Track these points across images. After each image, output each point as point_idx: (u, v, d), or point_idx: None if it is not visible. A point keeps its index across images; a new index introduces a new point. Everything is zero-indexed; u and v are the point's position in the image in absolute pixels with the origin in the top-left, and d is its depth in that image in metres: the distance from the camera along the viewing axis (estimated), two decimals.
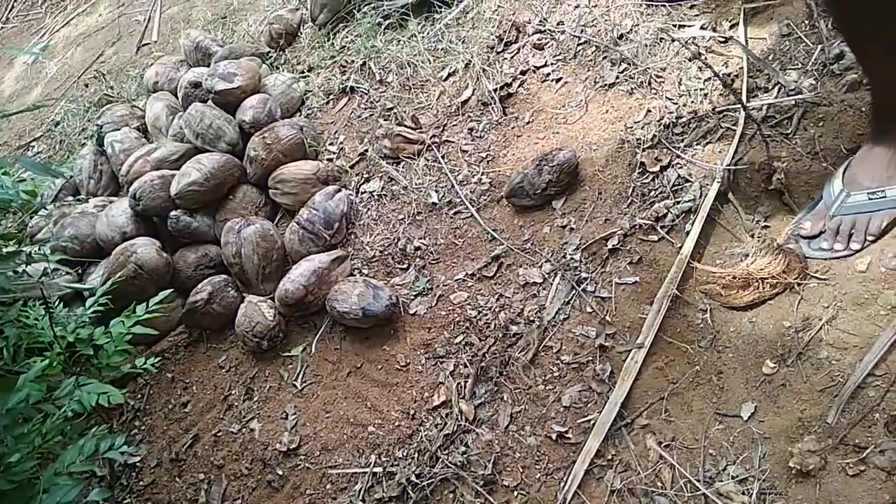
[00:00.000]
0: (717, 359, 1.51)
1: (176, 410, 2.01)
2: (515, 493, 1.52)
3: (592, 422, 1.52)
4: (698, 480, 1.38)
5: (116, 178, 2.51)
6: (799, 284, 1.48)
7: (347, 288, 1.85)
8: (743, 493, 1.34)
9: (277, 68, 2.66)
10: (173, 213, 2.14)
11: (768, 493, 1.32)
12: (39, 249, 2.04)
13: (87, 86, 3.54)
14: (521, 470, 1.54)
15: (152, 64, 2.90)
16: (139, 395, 2.08)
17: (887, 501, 1.21)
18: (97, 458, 1.33)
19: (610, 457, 1.48)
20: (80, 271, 2.26)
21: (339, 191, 2.09)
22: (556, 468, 1.52)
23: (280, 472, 1.74)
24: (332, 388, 1.83)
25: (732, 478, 1.36)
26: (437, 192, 2.03)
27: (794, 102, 1.69)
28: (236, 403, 1.93)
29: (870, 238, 1.43)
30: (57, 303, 1.89)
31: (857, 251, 1.45)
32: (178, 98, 2.59)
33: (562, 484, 1.49)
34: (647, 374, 1.54)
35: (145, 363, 1.67)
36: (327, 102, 2.46)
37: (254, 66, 2.47)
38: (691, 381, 1.51)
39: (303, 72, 2.60)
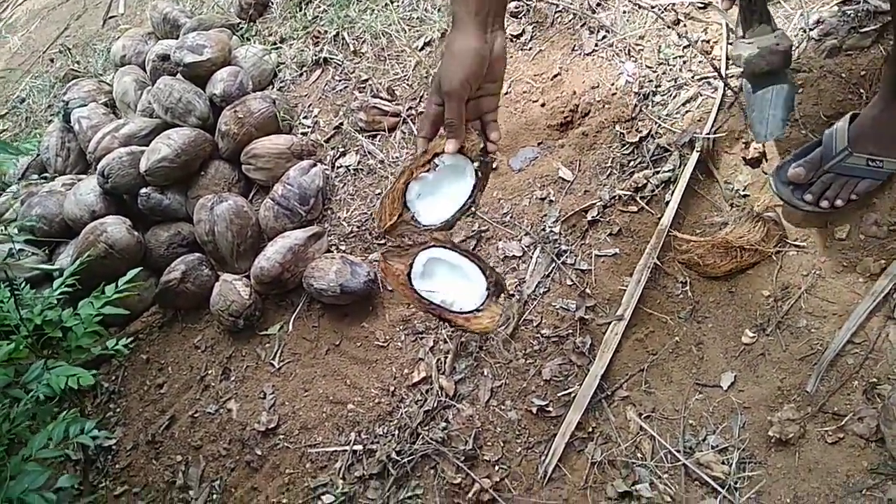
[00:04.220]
0: (696, 329, 1.50)
1: (151, 392, 1.98)
2: (496, 467, 1.51)
3: (573, 395, 1.51)
4: (678, 451, 1.38)
5: (84, 156, 2.44)
6: (778, 253, 1.47)
7: (324, 265, 1.82)
8: (723, 463, 1.34)
9: (248, 40, 2.59)
10: (143, 190, 2.09)
11: (748, 462, 1.33)
12: (6, 229, 1.98)
13: (52, 61, 3.44)
14: (502, 444, 1.53)
15: (119, 37, 2.82)
16: (113, 377, 2.05)
17: (866, 468, 1.22)
18: (68, 443, 1.29)
19: (590, 429, 1.48)
20: (48, 251, 2.21)
21: (315, 165, 2.04)
22: (537, 442, 1.51)
23: (259, 452, 1.72)
24: (310, 366, 1.80)
25: (712, 448, 1.36)
26: None
27: None
28: (213, 384, 1.90)
29: (853, 198, 1.41)
30: (24, 284, 1.84)
31: (839, 209, 1.42)
32: (146, 72, 2.51)
33: (542, 457, 1.48)
34: (627, 346, 1.54)
35: (117, 345, 1.63)
36: (300, 74, 2.40)
37: (224, 37, 2.40)
38: (671, 352, 1.50)
39: (274, 43, 2.53)
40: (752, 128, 1.49)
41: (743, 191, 1.57)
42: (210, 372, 1.92)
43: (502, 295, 1.13)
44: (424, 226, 1.17)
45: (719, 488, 1.31)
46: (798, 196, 1.45)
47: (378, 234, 1.18)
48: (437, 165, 1.14)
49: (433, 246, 1.16)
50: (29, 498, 1.13)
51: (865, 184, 1.41)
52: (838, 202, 1.41)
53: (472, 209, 1.18)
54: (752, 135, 1.50)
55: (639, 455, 1.42)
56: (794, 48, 1.63)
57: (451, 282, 1.15)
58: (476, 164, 1.15)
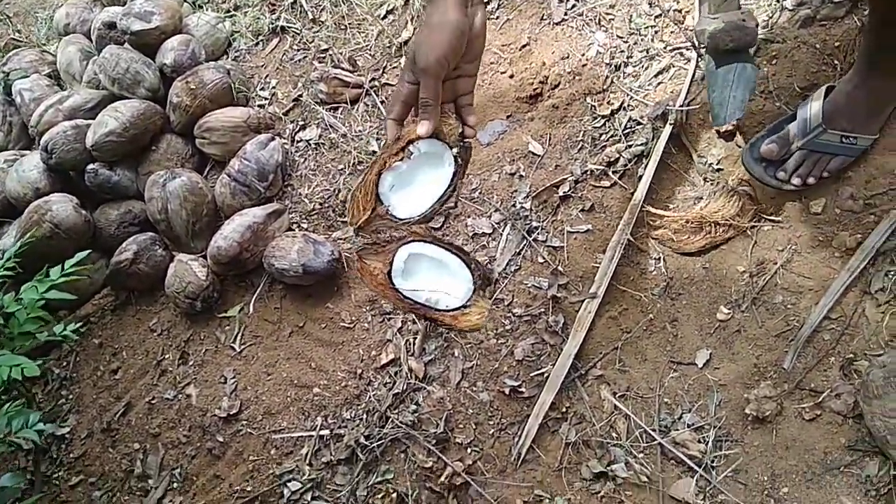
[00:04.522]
0: (670, 306, 1.48)
1: (105, 378, 1.88)
2: (469, 450, 1.47)
3: (546, 375, 1.47)
4: (653, 430, 1.36)
5: (27, 130, 2.29)
6: (753, 227, 1.45)
7: (286, 244, 1.74)
8: (699, 441, 1.32)
9: (200, 7, 2.45)
10: (90, 166, 1.97)
11: (724, 440, 1.31)
12: None
13: None
14: (474, 426, 1.49)
15: (62, 4, 2.65)
16: (64, 363, 1.95)
17: (843, 445, 1.21)
18: (9, 438, 1.21)
19: (564, 409, 1.45)
20: None
21: (273, 139, 1.95)
22: (510, 423, 1.47)
23: (221, 439, 1.66)
24: (273, 349, 1.73)
25: (688, 426, 1.34)
26: (378, 139, 1.92)
27: None
28: (170, 368, 1.81)
29: (825, 175, 1.40)
30: None
31: (810, 186, 1.41)
32: (91, 41, 2.37)
33: (516, 439, 1.45)
34: (601, 324, 1.50)
35: (65, 330, 1.53)
36: (256, 44, 2.28)
37: (174, 4, 2.26)
38: (645, 330, 1.47)
39: (228, 10, 2.40)
40: (711, 110, 1.45)
41: (717, 165, 1.54)
42: (167, 356, 1.84)
43: (489, 288, 1.06)
44: (401, 219, 1.08)
45: (696, 467, 1.30)
46: (770, 173, 1.43)
47: (353, 230, 1.08)
48: (411, 153, 1.05)
49: (412, 241, 1.07)
50: None
51: (838, 160, 1.39)
52: (810, 180, 1.40)
53: (453, 199, 1.10)
54: (711, 117, 1.46)
55: (614, 435, 1.39)
56: (768, 18, 1.61)
57: (435, 278, 1.07)
58: (455, 150, 1.07)
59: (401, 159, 1.06)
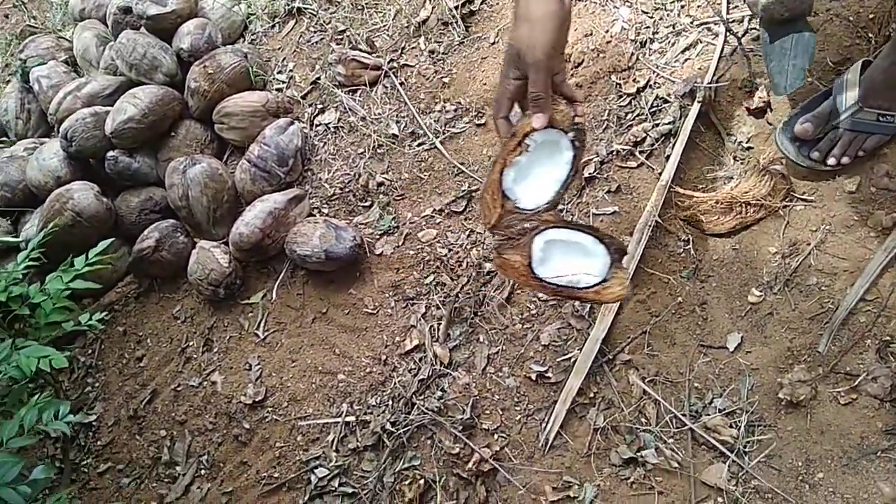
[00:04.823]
0: (700, 289, 1.45)
1: (131, 365, 1.89)
2: (496, 436, 1.46)
3: (573, 360, 1.45)
4: (684, 415, 1.34)
5: (46, 118, 2.29)
6: (784, 207, 1.41)
7: (307, 229, 1.73)
8: (731, 426, 1.30)
9: None
10: (110, 153, 1.96)
11: (757, 424, 1.29)
12: None
13: (6, 16, 3.23)
14: (501, 412, 1.48)
15: None
16: (89, 351, 1.95)
17: (880, 430, 1.18)
18: (40, 428, 1.21)
19: (592, 395, 1.43)
20: (11, 222, 2.08)
21: (292, 124, 1.93)
22: (537, 409, 1.46)
23: (247, 426, 1.66)
24: (296, 335, 1.73)
25: (719, 411, 1.32)
26: (397, 122, 1.89)
27: None
28: (195, 356, 1.82)
29: (861, 154, 1.36)
30: None
31: (844, 166, 1.37)
32: (107, 26, 2.35)
33: (543, 425, 1.44)
34: (629, 308, 1.48)
35: (90, 319, 1.53)
36: (273, 26, 2.25)
37: None
38: (674, 314, 1.45)
39: None
40: (770, 79, 1.40)
41: (747, 143, 1.50)
42: (191, 343, 1.84)
43: (624, 258, 1.10)
44: (530, 210, 1.11)
45: (728, 452, 1.28)
46: (805, 153, 1.39)
47: (487, 230, 1.12)
48: (528, 146, 1.09)
49: (545, 228, 1.11)
50: (2, 492, 1.05)
51: (875, 139, 1.35)
52: (845, 159, 1.36)
53: (576, 181, 1.12)
54: (771, 87, 1.41)
55: (643, 420, 1.38)
56: None
57: (572, 259, 1.11)
58: (570, 133, 1.10)
59: (519, 154, 1.10)
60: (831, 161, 1.35)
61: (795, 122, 1.38)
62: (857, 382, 1.23)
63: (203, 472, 1.67)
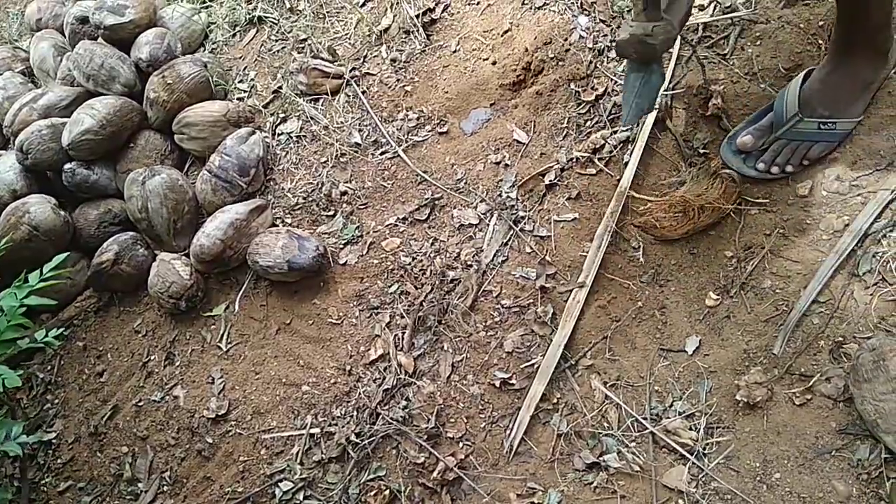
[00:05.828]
0: (659, 293, 1.47)
1: (91, 381, 1.86)
2: (461, 444, 1.46)
3: (536, 366, 1.46)
4: (645, 419, 1.36)
5: (1, 130, 2.25)
6: (736, 211, 1.44)
7: (270, 240, 1.72)
8: (690, 429, 1.32)
9: None
10: (68, 165, 1.93)
11: (716, 426, 1.31)
12: None
13: None
14: (466, 420, 1.48)
15: None
16: (49, 367, 1.91)
17: (834, 429, 1.21)
18: None
19: (555, 400, 1.44)
20: None
21: (253, 133, 1.92)
22: (501, 416, 1.46)
23: (210, 440, 1.64)
24: (260, 347, 1.71)
25: (679, 414, 1.34)
26: (360, 131, 1.89)
27: (730, 21, 1.61)
28: (157, 370, 1.79)
29: (805, 163, 1.39)
30: None
31: (790, 174, 1.40)
32: (64, 36, 2.32)
33: (508, 431, 1.44)
34: (590, 314, 1.49)
35: (46, 336, 1.51)
36: (233, 35, 2.24)
37: None
38: (634, 318, 1.46)
39: (203, 1, 2.35)
40: (622, 106, 1.44)
41: (702, 148, 1.53)
42: (153, 357, 1.81)
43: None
44: None
45: (688, 455, 1.29)
46: (750, 164, 1.43)
47: None
48: None
49: None
50: None
51: (819, 147, 1.38)
52: (789, 168, 1.40)
53: None
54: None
55: (605, 424, 1.39)
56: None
57: None
58: None
59: None
60: (774, 170, 1.39)
61: (738, 136, 1.42)
62: (811, 383, 1.25)
63: (166, 488, 1.65)
